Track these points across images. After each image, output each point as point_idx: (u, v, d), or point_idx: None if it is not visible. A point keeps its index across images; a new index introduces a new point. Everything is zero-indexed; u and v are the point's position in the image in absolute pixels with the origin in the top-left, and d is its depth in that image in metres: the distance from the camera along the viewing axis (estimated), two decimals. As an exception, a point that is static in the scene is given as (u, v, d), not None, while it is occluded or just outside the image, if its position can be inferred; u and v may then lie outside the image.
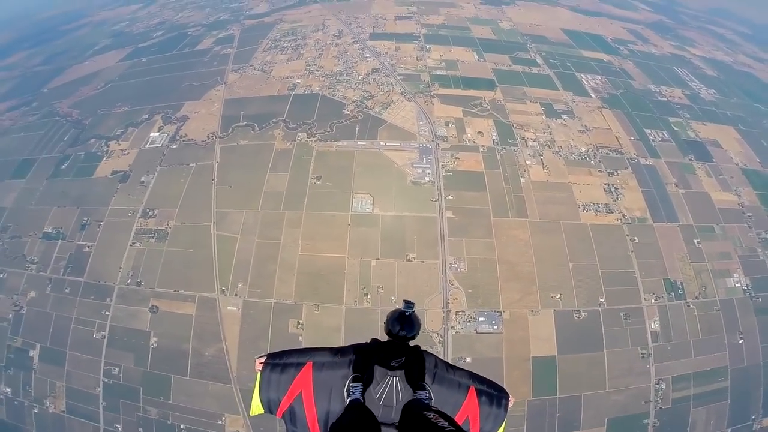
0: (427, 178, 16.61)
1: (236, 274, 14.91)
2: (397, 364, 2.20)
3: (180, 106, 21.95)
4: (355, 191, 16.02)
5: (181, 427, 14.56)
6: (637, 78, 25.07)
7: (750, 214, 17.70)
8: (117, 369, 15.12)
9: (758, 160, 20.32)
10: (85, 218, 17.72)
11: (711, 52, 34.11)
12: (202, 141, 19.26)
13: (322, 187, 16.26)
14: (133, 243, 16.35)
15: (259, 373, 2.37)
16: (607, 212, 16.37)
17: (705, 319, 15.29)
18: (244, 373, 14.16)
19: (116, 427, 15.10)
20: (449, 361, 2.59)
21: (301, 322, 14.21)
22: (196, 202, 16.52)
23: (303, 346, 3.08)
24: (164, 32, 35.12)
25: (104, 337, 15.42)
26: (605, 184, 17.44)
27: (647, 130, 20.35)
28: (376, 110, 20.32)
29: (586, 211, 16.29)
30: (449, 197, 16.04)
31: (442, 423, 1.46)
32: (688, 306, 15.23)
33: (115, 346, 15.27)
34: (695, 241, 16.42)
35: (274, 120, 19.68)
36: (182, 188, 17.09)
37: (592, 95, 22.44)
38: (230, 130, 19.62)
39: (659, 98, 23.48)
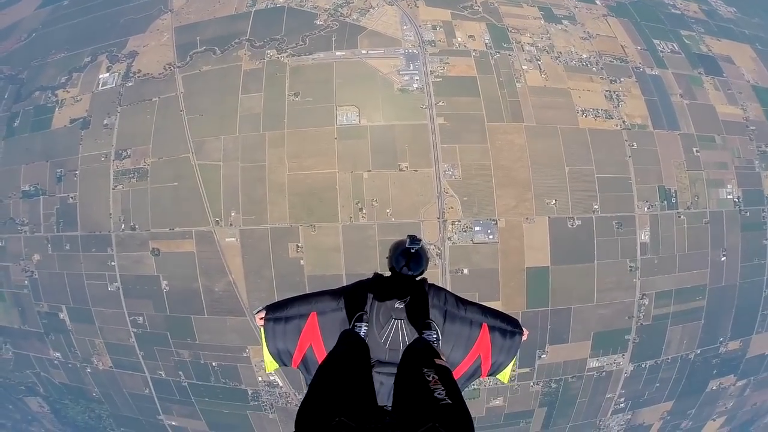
0: (415, 85, 15.21)
1: (227, 202, 14.41)
2: (401, 305, 2.07)
3: (124, 43, 19.37)
4: (339, 104, 14.72)
5: (213, 365, 15.39)
6: (650, -13, 21.05)
7: (753, 127, 16.84)
8: (141, 318, 15.56)
9: (772, 78, 18.42)
10: (58, 170, 16.81)
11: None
12: (160, 74, 17.23)
13: (302, 104, 14.91)
14: (116, 186, 15.65)
15: (262, 330, 2.27)
16: (606, 118, 15.43)
17: (693, 232, 15.08)
18: (255, 303, 14.43)
19: (159, 373, 16.05)
20: (457, 294, 2.43)
21: (300, 245, 14.03)
22: (169, 135, 15.40)
23: (302, 293, 2.57)
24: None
25: (119, 289, 15.59)
26: (606, 90, 16.07)
27: (656, 41, 18.27)
28: (354, 17, 17.63)
29: (585, 116, 15.32)
30: (440, 103, 14.85)
31: (439, 392, 1.29)
32: (679, 216, 14.97)
33: (131, 296, 15.53)
34: (694, 149, 15.74)
35: (236, 41, 17.27)
36: (150, 124, 15.82)
37: (598, 2, 19.52)
38: (188, 58, 17.38)
39: (672, 11, 20.50)
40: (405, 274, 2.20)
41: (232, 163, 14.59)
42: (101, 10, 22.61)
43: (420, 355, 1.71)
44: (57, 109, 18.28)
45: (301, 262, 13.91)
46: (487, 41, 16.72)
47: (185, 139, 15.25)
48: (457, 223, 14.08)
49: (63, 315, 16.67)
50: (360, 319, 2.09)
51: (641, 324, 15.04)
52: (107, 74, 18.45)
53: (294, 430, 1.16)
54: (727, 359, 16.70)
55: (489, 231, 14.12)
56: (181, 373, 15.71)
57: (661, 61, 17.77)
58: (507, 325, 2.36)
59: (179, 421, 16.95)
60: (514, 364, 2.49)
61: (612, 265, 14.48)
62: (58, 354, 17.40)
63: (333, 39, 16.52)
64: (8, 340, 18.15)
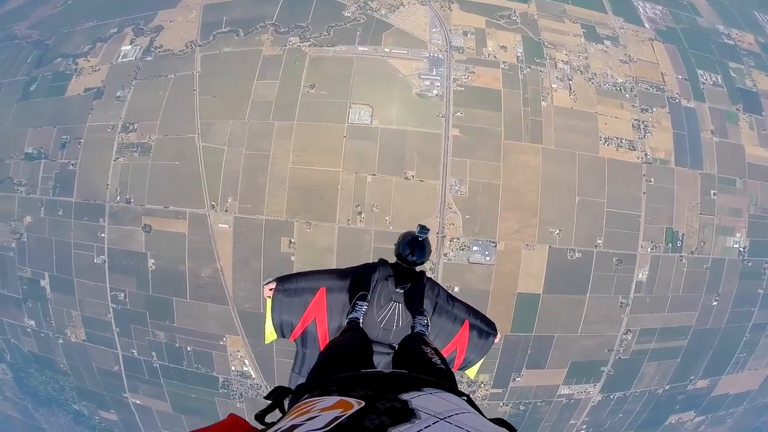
0: (435, 92, 14.66)
1: (225, 187, 14.09)
2: (402, 290, 2.21)
3: (152, 17, 19.40)
4: (353, 101, 14.32)
5: (188, 349, 15.12)
6: (706, 15, 20.71)
7: None
8: (122, 294, 15.29)
9: (813, 121, 17.89)
10: (64, 137, 16.73)
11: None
12: (180, 51, 17.16)
13: (317, 96, 14.53)
14: (117, 158, 15.45)
15: (269, 300, 2.34)
16: (629, 149, 14.86)
17: (691, 276, 14.77)
18: (239, 293, 14.07)
19: (132, 352, 15.84)
20: (449, 291, 2.63)
21: (293, 240, 13.63)
22: (178, 113, 15.23)
23: (309, 270, 2.68)
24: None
25: (105, 262, 15.32)
26: (635, 119, 15.48)
27: (699, 71, 17.51)
28: (382, 12, 17.27)
29: (607, 145, 14.76)
30: (458, 114, 14.35)
31: (436, 360, 1.54)
32: (681, 260, 14.67)
33: (116, 270, 15.26)
34: (712, 191, 15.21)
35: (261, 24, 17.13)
36: (161, 100, 15.68)
37: (647, 25, 18.65)
38: (211, 38, 17.30)
39: (725, 40, 19.75)
40: (410, 261, 2.32)
41: (237, 149, 14.29)
42: (139, -20, 23.52)
43: (417, 338, 1.94)
44: (74, 77, 18.23)
45: (292, 258, 13.54)
46: (519, 54, 15.97)
47: (194, 120, 15.03)
48: (455, 240, 13.68)
49: (44, 282, 16.42)
50: (362, 299, 2.22)
51: (619, 357, 14.94)
52: (129, 46, 18.40)
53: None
54: (693, 396, 16.78)
55: (487, 252, 13.77)
56: (154, 353, 15.51)
57: (701, 93, 16.96)
58: (485, 326, 2.59)
59: (144, 401, 16.75)
60: (481, 363, 2.72)
61: (603, 300, 14.22)
62: (32, 322, 17.15)
63: (357, 33, 16.17)
64: (-18, 302, 17.87)
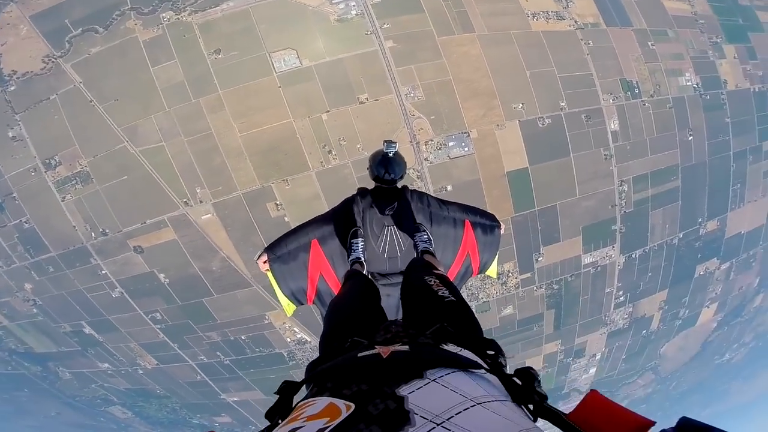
0: (353, 12, 13.53)
1: (187, 181, 13.61)
2: (389, 212, 2.11)
3: (-27, 47, 15.38)
4: (271, 50, 13.08)
5: (243, 338, 16.05)
6: None
7: (702, 21, 16.75)
8: (157, 314, 15.77)
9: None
10: None
11: None
12: (42, 69, 14.39)
13: (228, 60, 13.13)
14: (63, 197, 14.46)
15: (269, 273, 2.21)
16: (558, 19, 14.79)
17: (659, 117, 15.38)
18: (255, 272, 14.63)
19: (201, 359, 16.78)
20: (437, 196, 2.46)
21: (278, 202, 13.78)
22: (91, 130, 13.67)
23: (294, 227, 2.39)
24: None
25: (122, 293, 15.52)
26: None
27: None
28: None
29: (536, 19, 14.55)
30: (385, 26, 13.54)
31: (442, 292, 1.37)
32: (644, 104, 15.19)
33: (137, 296, 15.57)
34: (649, 43, 15.58)
35: (117, 13, 14.02)
36: (63, 123, 13.91)
37: None
38: (67, 45, 14.24)
39: None
40: (388, 180, 2.23)
41: (176, 140, 13.32)
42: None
43: (420, 267, 1.76)
44: None
45: (286, 218, 13.88)
46: None
47: (112, 130, 13.61)
48: (430, 142, 13.87)
49: (88, 330, 16.85)
50: (355, 235, 2.07)
51: (624, 212, 15.85)
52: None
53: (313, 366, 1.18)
54: (708, 241, 17.48)
55: (463, 144, 14.02)
56: (218, 353, 16.47)
57: None
58: (486, 220, 2.44)
59: (239, 396, 17.86)
60: (497, 260, 2.60)
61: (587, 156, 14.88)
62: (106, 365, 17.96)
63: (238, -17, 13.35)
64: (58, 364, 18.67)
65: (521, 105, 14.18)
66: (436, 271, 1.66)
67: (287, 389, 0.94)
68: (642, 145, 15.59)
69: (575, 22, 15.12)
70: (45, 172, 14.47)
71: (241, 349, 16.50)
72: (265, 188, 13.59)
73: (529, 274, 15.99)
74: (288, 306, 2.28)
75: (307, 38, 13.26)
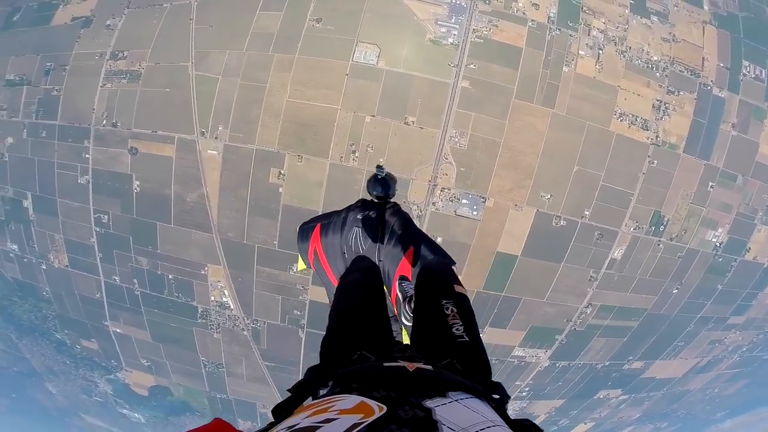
0: (450, 40, 13.89)
1: (217, 116, 13.81)
2: (361, 216, 2.38)
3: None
4: (360, 39, 13.77)
5: (169, 277, 14.99)
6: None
7: None
8: (106, 216, 14.99)
9: None
10: (48, 64, 16.15)
11: None
12: None
13: (322, 31, 14.01)
14: (104, 84, 14.97)
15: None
16: (642, 128, 14.08)
17: (663, 262, 14.98)
18: (224, 221, 13.92)
19: (114, 279, 15.63)
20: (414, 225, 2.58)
21: (282, 172, 13.53)
22: (171, 42, 14.74)
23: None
24: None
25: (89, 182, 14.98)
26: (658, 100, 14.43)
27: (745, 62, 15.91)
28: None
29: (621, 120, 13.96)
30: (471, 66, 13.72)
31: (457, 328, 1.40)
32: (658, 245, 14.74)
33: (100, 192, 14.95)
34: (710, 183, 14.74)
35: None
36: (155, 29, 15.12)
37: (706, 7, 16.61)
38: None
39: None
40: (379, 197, 2.52)
41: (232, 80, 13.97)
42: None
43: (440, 281, 1.70)
44: (61, 6, 17.39)
45: (280, 189, 13.46)
46: (551, 14, 14.54)
47: (188, 49, 14.63)
48: (446, 190, 13.71)
49: (27, 203, 16.00)
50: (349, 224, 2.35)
51: (574, 329, 15.47)
52: (121, -26, 18.04)
53: (319, 360, 1.26)
54: (626, 375, 17.82)
55: (475, 207, 13.78)
56: (135, 281, 15.37)
57: (737, 84, 15.51)
58: (429, 253, 2.45)
59: (124, 329, 16.73)
60: None
61: (575, 271, 14.45)
62: (15, 246, 16.77)
63: (375, -33, 15.13)
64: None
65: (549, 196, 13.83)
66: (458, 288, 1.62)
67: (301, 389, 0.95)
68: (629, 281, 14.94)
69: (656, 137, 14.27)
70: (107, 60, 15.38)
71: (161, 287, 15.14)
72: (279, 154, 13.52)
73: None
74: (300, 264, 2.60)
75: (396, 43, 13.80)
